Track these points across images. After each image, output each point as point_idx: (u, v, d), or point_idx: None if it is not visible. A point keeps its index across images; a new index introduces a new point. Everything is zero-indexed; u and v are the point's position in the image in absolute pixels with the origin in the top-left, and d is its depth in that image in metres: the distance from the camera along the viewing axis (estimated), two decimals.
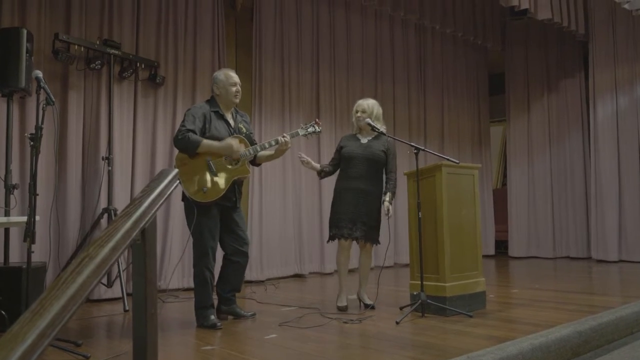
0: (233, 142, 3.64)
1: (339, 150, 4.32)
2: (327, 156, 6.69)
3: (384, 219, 4.16)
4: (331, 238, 4.19)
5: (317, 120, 4.10)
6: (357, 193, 4.15)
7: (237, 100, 3.82)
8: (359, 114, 4.29)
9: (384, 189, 4.22)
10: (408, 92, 8.09)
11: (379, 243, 4.26)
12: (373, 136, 4.32)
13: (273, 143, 3.80)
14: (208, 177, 3.59)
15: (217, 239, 3.70)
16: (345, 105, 7.09)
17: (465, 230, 4.08)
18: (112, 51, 4.97)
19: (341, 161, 4.30)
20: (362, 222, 4.12)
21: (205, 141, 3.58)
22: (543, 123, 8.74)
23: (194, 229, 3.57)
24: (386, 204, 4.10)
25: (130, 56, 5.17)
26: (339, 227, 4.12)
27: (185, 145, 3.56)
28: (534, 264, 7.68)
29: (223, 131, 3.71)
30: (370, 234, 4.15)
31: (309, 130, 4.02)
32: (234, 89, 3.77)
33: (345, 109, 7.09)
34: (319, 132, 4.06)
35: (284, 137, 3.81)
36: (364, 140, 4.29)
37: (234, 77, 3.81)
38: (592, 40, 7.82)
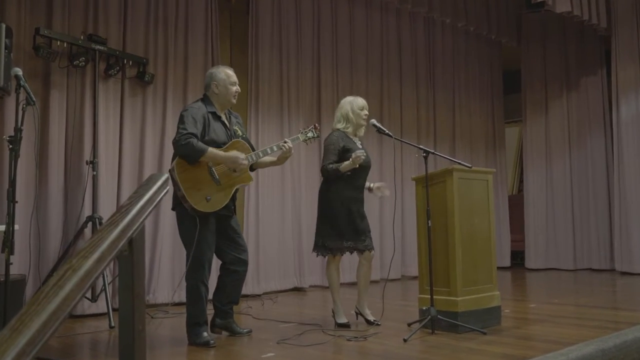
0: (239, 154, 3.66)
1: (343, 152, 4.10)
2: None
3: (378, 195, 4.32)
4: (330, 252, 4.11)
5: (315, 125, 4.16)
6: (361, 204, 4.20)
7: (235, 101, 3.84)
8: (366, 112, 4.27)
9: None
10: (416, 91, 8.10)
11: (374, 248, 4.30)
12: (358, 138, 4.33)
13: (275, 149, 3.83)
14: (210, 185, 3.60)
15: (213, 251, 3.71)
16: None
17: (479, 240, 4.07)
18: (98, 47, 4.98)
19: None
20: (366, 233, 4.17)
21: (211, 150, 3.57)
22: (562, 124, 8.74)
23: (190, 240, 3.56)
24: (378, 187, 4.27)
25: (117, 52, 5.18)
26: (341, 242, 4.08)
27: (188, 152, 3.53)
28: (553, 277, 7.67)
29: (221, 134, 3.72)
30: (370, 243, 4.20)
31: (308, 135, 4.07)
32: (234, 88, 3.80)
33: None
34: (317, 137, 4.12)
35: (286, 142, 3.84)
36: (360, 144, 4.29)
37: (234, 75, 3.85)
38: (615, 35, 7.83)
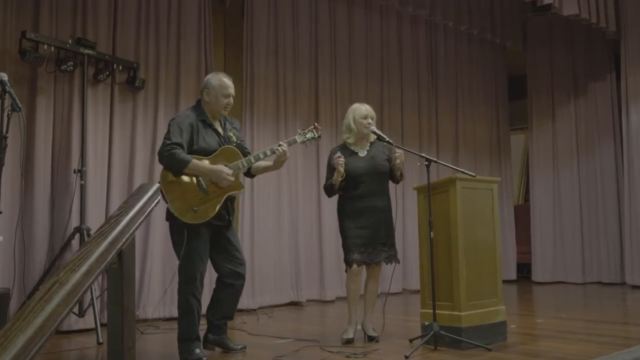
0: (224, 168, 3.63)
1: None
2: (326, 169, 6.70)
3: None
4: (349, 264, 4.15)
5: (315, 124, 4.10)
6: (371, 212, 4.18)
7: (226, 113, 3.85)
8: (369, 120, 4.28)
9: (392, 203, 4.29)
10: (418, 97, 8.12)
11: (399, 261, 4.31)
12: (369, 144, 4.34)
13: (269, 153, 3.82)
14: (198, 195, 3.59)
15: (206, 263, 3.71)
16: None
17: (483, 252, 4.07)
18: (86, 51, 4.99)
19: (342, 180, 4.26)
20: (382, 244, 4.18)
21: (194, 162, 3.57)
22: (570, 131, 8.76)
23: (181, 252, 3.56)
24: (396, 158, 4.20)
25: (107, 57, 5.19)
26: (354, 253, 4.13)
27: (170, 163, 3.56)
28: (561, 291, 7.66)
29: (212, 142, 3.72)
30: (392, 254, 4.23)
31: (307, 136, 4.02)
32: (225, 100, 3.77)
33: None
34: (318, 137, 4.06)
35: (280, 145, 3.82)
36: (363, 153, 4.30)
37: (230, 87, 3.80)
38: (624, 38, 7.86)
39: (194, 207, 3.55)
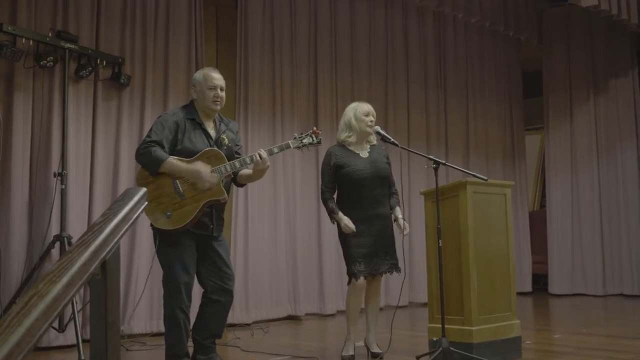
0: (202, 168, 3.59)
1: (336, 170, 4.23)
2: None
3: (399, 236, 4.27)
4: (355, 276, 4.14)
5: (315, 129, 3.98)
6: (374, 220, 4.18)
7: (218, 108, 3.79)
8: (371, 119, 4.29)
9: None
10: (425, 94, 8.13)
11: (400, 270, 4.30)
12: (369, 147, 4.35)
13: (248, 161, 3.72)
14: (173, 199, 3.58)
15: (192, 273, 3.69)
16: None
17: (496, 262, 4.07)
18: (68, 45, 5.00)
19: (342, 184, 4.27)
20: (384, 253, 4.20)
21: (171, 160, 3.56)
22: (589, 131, 8.76)
23: (163, 261, 3.58)
24: (402, 221, 4.22)
25: (89, 51, 5.20)
26: (359, 264, 4.12)
27: (146, 161, 3.59)
28: (580, 303, 7.66)
29: (199, 143, 3.70)
30: (393, 262, 4.25)
31: (303, 141, 3.90)
32: (212, 93, 3.73)
33: None
34: (316, 143, 3.94)
35: (259, 153, 3.72)
36: (364, 154, 4.30)
37: (216, 79, 3.77)
38: None
39: (166, 212, 3.54)
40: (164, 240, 3.55)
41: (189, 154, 3.64)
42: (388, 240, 4.24)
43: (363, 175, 4.18)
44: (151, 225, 3.68)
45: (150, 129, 3.68)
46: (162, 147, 3.59)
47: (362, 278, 4.10)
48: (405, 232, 4.20)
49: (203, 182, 3.58)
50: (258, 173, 3.80)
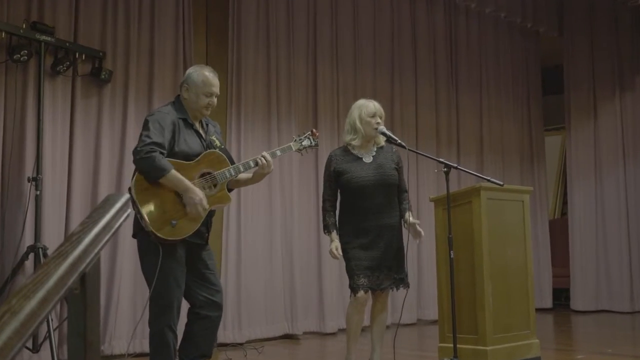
0: (203, 196, 3.57)
1: (337, 177, 4.25)
2: None
3: (414, 242, 4.30)
4: (355, 290, 4.15)
5: (313, 130, 4.08)
6: (379, 232, 4.17)
7: (207, 114, 3.81)
8: (377, 120, 4.27)
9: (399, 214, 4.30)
10: (435, 91, 8.14)
11: (409, 286, 4.29)
12: (375, 149, 4.35)
13: (252, 164, 3.77)
14: (178, 206, 3.57)
15: (182, 288, 3.69)
16: None
17: (513, 275, 4.07)
18: (43, 37, 5.00)
19: (342, 192, 4.28)
20: (388, 268, 4.17)
21: (174, 174, 3.52)
22: (614, 131, 8.77)
23: (155, 275, 3.54)
24: (415, 225, 4.19)
25: (67, 44, 5.20)
26: (359, 277, 4.12)
27: (148, 168, 3.51)
28: (606, 321, 7.65)
29: (195, 145, 3.71)
30: (399, 277, 4.22)
31: (303, 143, 3.99)
32: (206, 100, 3.73)
33: None
34: (314, 145, 4.05)
35: (263, 156, 3.77)
36: (368, 159, 4.29)
37: (214, 85, 3.76)
38: None
39: (172, 220, 3.53)
40: (158, 252, 3.52)
41: (185, 157, 3.63)
42: (394, 253, 4.20)
43: (363, 183, 4.17)
44: (135, 235, 3.67)
45: (147, 128, 3.58)
46: (164, 150, 3.56)
47: (362, 292, 4.10)
48: (419, 239, 4.20)
49: (196, 210, 3.55)
50: (259, 177, 3.87)
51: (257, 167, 3.80)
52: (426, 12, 8.16)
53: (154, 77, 5.79)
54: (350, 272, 4.18)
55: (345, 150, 4.32)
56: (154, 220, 3.50)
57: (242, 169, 3.76)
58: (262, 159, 3.76)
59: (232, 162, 3.83)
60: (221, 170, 3.69)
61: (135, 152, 3.54)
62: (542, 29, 8.92)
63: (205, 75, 3.77)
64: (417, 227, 4.18)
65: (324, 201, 4.31)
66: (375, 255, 4.14)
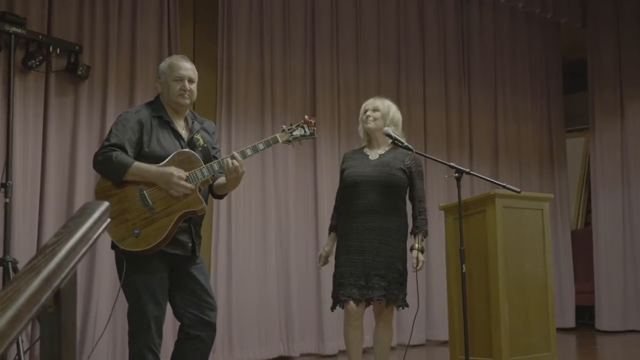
0: (176, 171, 3.54)
1: (342, 174, 4.42)
2: (326, 181, 6.70)
3: (410, 270, 4.20)
4: (335, 303, 4.20)
5: (306, 117, 3.91)
6: (366, 234, 4.17)
7: (186, 102, 3.75)
8: (368, 113, 4.34)
9: (409, 226, 4.28)
10: (445, 89, 8.15)
11: (407, 306, 4.24)
12: (388, 148, 4.37)
13: (216, 167, 3.65)
14: (141, 214, 3.56)
15: (163, 305, 3.67)
16: (353, 107, 7.12)
17: (531, 292, 4.08)
18: (13, 29, 5.01)
19: (342, 189, 4.38)
20: (379, 276, 4.13)
21: (137, 164, 3.53)
22: None
23: (128, 292, 3.55)
24: (415, 252, 4.14)
25: (40, 37, 5.21)
26: (343, 286, 4.12)
27: (107, 169, 3.53)
28: (634, 342, 7.65)
29: (169, 145, 3.69)
30: (391, 292, 4.14)
31: (294, 134, 3.83)
32: (178, 85, 3.69)
33: (353, 113, 7.12)
34: (310, 135, 3.87)
35: (232, 156, 3.64)
36: (374, 156, 4.34)
37: (182, 68, 3.73)
38: None
39: (134, 230, 3.51)
40: (129, 266, 3.53)
41: (157, 159, 3.60)
42: (386, 261, 4.13)
43: (359, 179, 4.22)
44: (113, 247, 3.67)
45: (110, 131, 3.64)
46: (125, 151, 3.57)
47: (352, 303, 4.09)
48: (417, 268, 4.16)
49: (177, 187, 3.52)
50: (232, 182, 3.70)
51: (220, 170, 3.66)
52: (435, 1, 8.17)
53: (135, 74, 5.80)
54: (334, 279, 4.22)
55: (359, 149, 4.47)
56: (115, 231, 3.49)
57: (216, 168, 3.63)
58: (228, 160, 3.62)
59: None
60: (192, 171, 3.59)
61: (94, 158, 3.59)
62: (564, 20, 8.93)
63: (172, 60, 3.79)
64: (416, 258, 4.17)
65: (335, 201, 4.49)
66: (362, 260, 4.13)
